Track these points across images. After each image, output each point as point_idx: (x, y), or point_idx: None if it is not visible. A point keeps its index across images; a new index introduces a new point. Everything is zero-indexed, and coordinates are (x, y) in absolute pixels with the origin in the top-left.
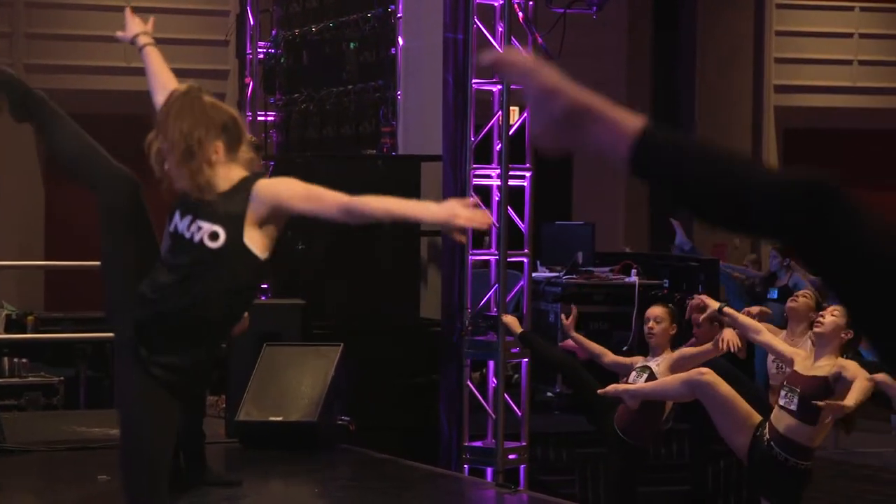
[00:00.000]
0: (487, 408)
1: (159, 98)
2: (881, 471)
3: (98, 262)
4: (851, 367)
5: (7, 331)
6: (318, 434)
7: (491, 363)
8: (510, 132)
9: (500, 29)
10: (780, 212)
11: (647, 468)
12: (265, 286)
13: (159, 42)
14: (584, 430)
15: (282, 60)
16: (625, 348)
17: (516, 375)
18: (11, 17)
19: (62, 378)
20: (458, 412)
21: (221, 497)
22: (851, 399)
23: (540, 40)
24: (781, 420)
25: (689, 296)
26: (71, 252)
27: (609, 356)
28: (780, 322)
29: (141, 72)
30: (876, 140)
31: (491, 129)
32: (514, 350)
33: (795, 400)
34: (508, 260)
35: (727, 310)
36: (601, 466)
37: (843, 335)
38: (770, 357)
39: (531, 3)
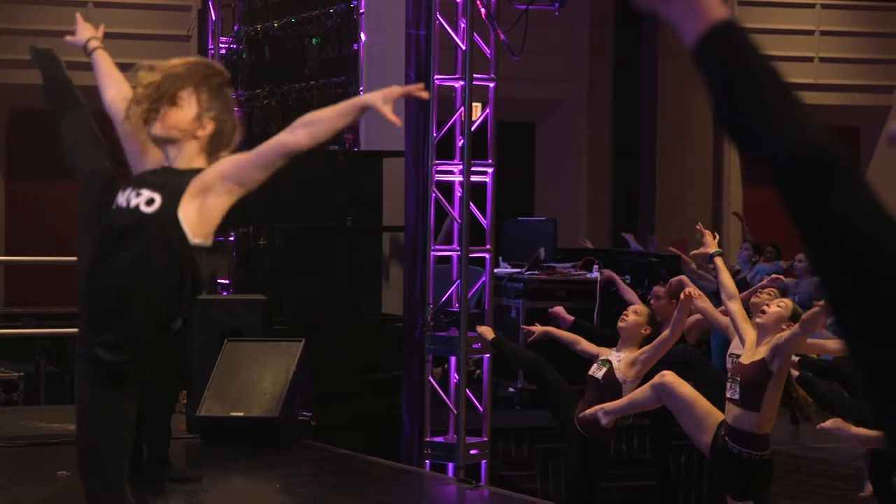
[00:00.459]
0: (449, 403)
1: (110, 93)
2: (838, 465)
3: (58, 259)
4: (784, 332)
5: None
6: (279, 430)
7: (452, 359)
8: (472, 128)
9: (463, 25)
10: (787, 168)
11: (611, 464)
12: (226, 281)
13: (121, 37)
14: (546, 425)
15: (244, 56)
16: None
17: (478, 371)
18: None
19: (22, 374)
20: (419, 408)
21: (182, 493)
22: (831, 345)
23: (503, 36)
24: (730, 412)
25: (649, 292)
26: (31, 248)
27: (581, 343)
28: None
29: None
30: (838, 137)
31: (453, 125)
32: (475, 346)
33: (737, 388)
34: (470, 256)
35: (717, 259)
36: (562, 462)
37: (783, 326)
38: (728, 352)
39: None
